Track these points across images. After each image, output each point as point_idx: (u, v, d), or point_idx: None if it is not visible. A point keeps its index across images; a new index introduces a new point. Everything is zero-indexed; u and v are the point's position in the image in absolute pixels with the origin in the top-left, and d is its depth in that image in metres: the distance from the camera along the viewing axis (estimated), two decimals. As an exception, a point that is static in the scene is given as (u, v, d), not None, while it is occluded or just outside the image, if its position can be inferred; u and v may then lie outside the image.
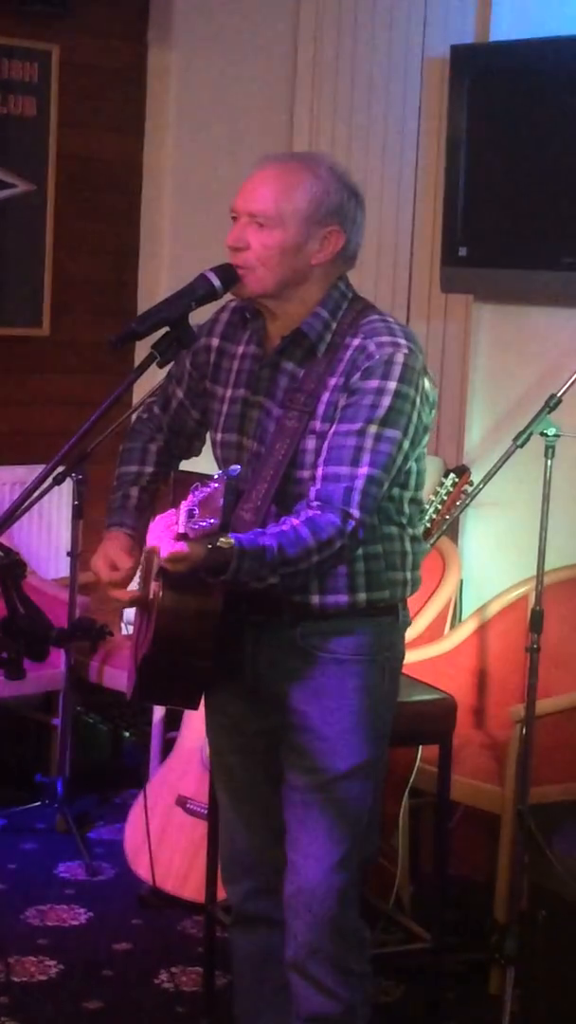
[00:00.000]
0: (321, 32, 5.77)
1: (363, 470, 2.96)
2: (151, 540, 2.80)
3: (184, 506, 2.72)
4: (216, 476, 2.70)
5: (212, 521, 2.67)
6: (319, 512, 2.94)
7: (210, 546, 2.74)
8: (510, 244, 4.92)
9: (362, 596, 3.10)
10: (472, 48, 5.13)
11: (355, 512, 2.94)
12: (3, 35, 5.80)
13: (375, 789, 3.24)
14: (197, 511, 2.70)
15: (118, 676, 5.36)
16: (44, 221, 5.98)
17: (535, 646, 4.12)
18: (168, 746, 4.89)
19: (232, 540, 2.78)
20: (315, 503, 2.96)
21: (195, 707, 3.22)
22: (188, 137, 6.16)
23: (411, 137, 5.50)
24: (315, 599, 3.08)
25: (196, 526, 2.69)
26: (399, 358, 3.01)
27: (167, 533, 2.78)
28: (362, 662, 3.14)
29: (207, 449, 3.33)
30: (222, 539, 2.74)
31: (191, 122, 6.16)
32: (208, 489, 2.70)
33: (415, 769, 4.27)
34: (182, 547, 2.74)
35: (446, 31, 5.33)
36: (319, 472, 2.99)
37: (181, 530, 2.72)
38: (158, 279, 6.17)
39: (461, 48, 5.10)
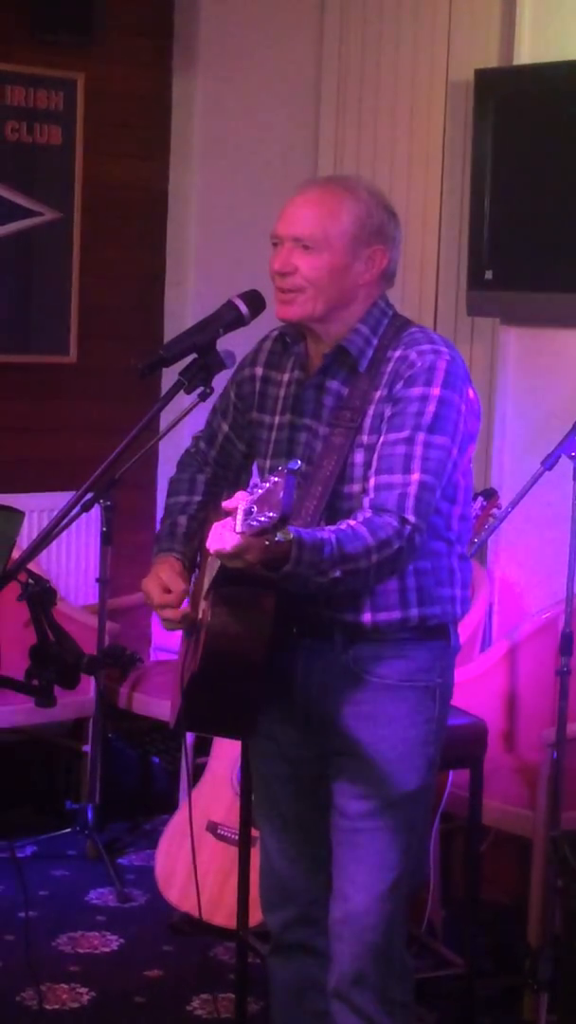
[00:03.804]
0: (345, 58, 5.78)
1: (415, 476, 2.97)
2: (209, 544, 2.75)
3: (242, 506, 2.67)
4: (276, 471, 2.66)
5: (272, 515, 2.62)
6: (375, 516, 2.94)
7: (267, 543, 2.69)
8: (536, 267, 4.93)
9: (414, 612, 3.09)
10: (496, 72, 5.13)
11: (411, 517, 2.94)
12: (29, 64, 5.83)
13: (425, 817, 3.24)
14: (255, 509, 2.64)
15: (148, 702, 5.37)
16: (70, 249, 6.00)
17: (565, 669, 4.11)
18: (198, 772, 4.88)
19: (292, 534, 2.73)
20: (370, 511, 2.96)
21: (243, 736, 3.19)
22: (213, 164, 6.18)
23: (436, 161, 5.51)
24: (367, 617, 3.07)
25: (255, 522, 2.63)
26: (441, 364, 3.03)
27: (225, 533, 2.71)
28: (414, 688, 3.13)
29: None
30: (282, 532, 2.68)
31: (216, 149, 6.17)
32: (267, 485, 2.65)
33: (446, 793, 4.26)
34: (238, 540, 2.68)
35: (470, 55, 5.34)
36: (371, 483, 3.00)
37: (239, 529, 2.65)
38: (184, 306, 6.18)
39: (485, 72, 5.11)
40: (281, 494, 2.61)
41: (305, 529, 2.87)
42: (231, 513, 2.68)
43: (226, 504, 2.73)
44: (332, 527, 2.91)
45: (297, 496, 2.96)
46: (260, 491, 2.66)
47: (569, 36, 4.96)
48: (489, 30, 5.31)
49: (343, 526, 2.92)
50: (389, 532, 2.92)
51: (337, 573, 2.87)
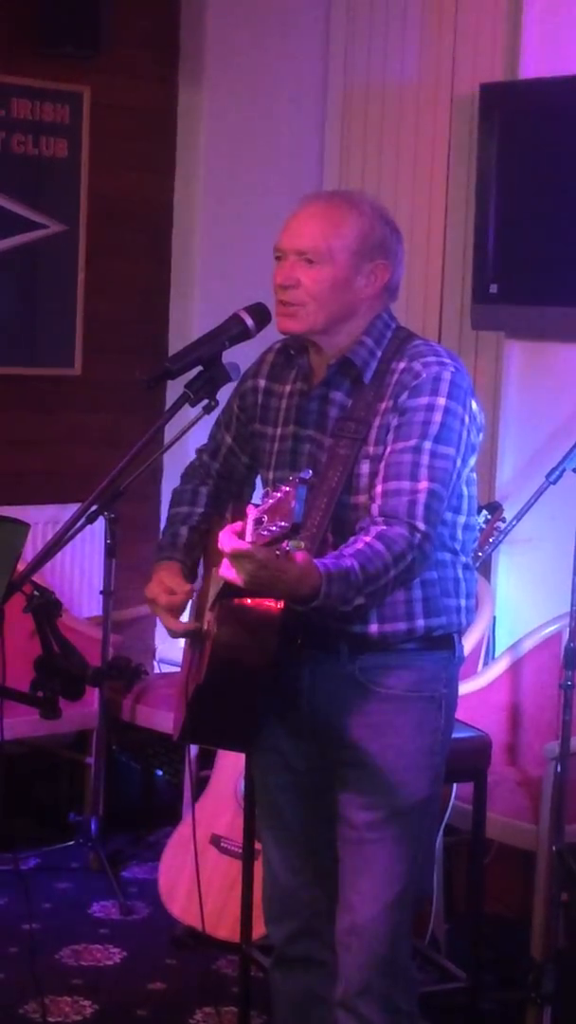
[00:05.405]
0: (350, 73, 5.80)
1: (423, 484, 2.98)
2: (221, 543, 2.72)
3: (251, 515, 2.67)
4: (288, 481, 2.66)
5: (283, 524, 2.61)
6: (386, 527, 2.95)
7: (278, 552, 2.67)
8: (541, 281, 4.93)
9: (420, 623, 3.10)
10: (501, 87, 5.15)
11: (420, 524, 2.96)
12: (35, 78, 5.84)
13: (430, 827, 3.24)
14: (266, 518, 2.64)
15: (151, 714, 5.37)
16: (76, 261, 6.01)
17: (569, 683, 4.11)
18: (201, 784, 4.88)
19: (302, 543, 2.71)
20: (379, 519, 2.97)
21: (247, 749, 3.18)
22: (218, 177, 6.19)
23: (441, 175, 5.52)
24: (373, 628, 3.08)
25: (265, 531, 2.63)
26: (446, 375, 3.05)
27: (232, 541, 2.69)
28: (420, 698, 3.13)
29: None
30: (294, 542, 2.66)
31: (221, 162, 6.19)
32: (278, 495, 2.64)
33: (449, 807, 4.26)
34: (243, 545, 2.66)
35: (475, 70, 5.36)
36: (378, 489, 3.01)
37: (249, 539, 2.64)
38: (189, 318, 6.19)
39: (490, 86, 5.12)
40: (293, 503, 2.61)
41: (328, 558, 2.86)
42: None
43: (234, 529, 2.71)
44: (350, 549, 2.91)
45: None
46: (271, 501, 2.65)
47: (573, 50, 4.97)
48: (494, 45, 5.32)
49: (361, 545, 2.92)
50: (403, 544, 2.93)
51: (361, 600, 2.89)
